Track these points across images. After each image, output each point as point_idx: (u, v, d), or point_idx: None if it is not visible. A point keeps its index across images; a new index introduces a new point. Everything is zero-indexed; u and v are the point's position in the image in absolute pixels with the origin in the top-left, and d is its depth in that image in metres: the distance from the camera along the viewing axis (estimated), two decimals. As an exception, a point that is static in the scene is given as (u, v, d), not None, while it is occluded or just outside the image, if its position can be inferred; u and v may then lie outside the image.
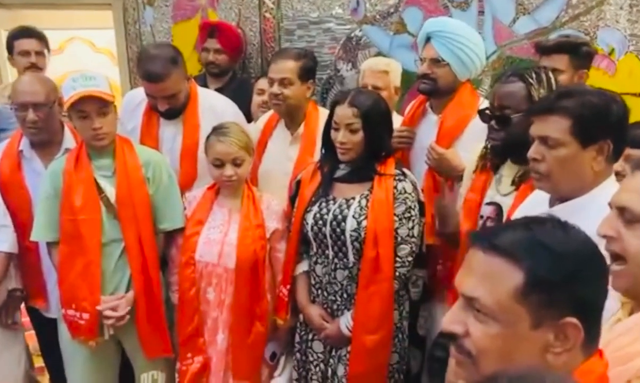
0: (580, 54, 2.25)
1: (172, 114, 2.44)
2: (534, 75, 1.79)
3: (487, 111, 1.87)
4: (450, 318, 0.90)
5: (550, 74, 1.82)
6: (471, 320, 0.87)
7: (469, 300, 0.87)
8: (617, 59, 2.56)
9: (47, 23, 4.37)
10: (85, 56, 4.58)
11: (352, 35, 3.14)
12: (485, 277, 0.86)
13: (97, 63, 4.34)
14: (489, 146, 1.94)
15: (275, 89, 2.36)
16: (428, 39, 2.27)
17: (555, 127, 1.44)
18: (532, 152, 1.50)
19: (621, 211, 1.13)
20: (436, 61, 2.24)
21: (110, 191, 2.20)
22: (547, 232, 0.86)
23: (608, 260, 1.13)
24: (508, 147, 1.82)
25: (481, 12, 2.83)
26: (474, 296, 0.86)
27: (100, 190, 2.19)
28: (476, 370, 0.88)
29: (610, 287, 1.14)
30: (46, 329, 2.50)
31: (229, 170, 2.17)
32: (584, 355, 0.86)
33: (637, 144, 1.80)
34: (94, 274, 2.18)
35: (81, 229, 2.17)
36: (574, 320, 0.82)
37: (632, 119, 1.73)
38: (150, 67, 2.30)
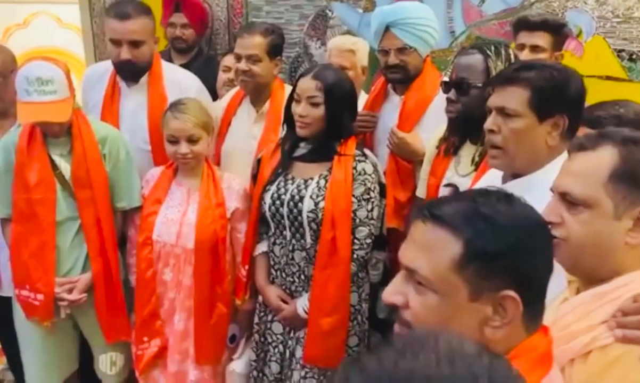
0: (562, 34, 2.25)
1: (133, 72, 2.35)
2: (492, 49, 1.79)
3: (449, 83, 1.86)
4: (391, 290, 0.89)
5: (510, 50, 1.81)
6: (411, 292, 0.86)
7: (409, 271, 0.86)
8: (584, 40, 2.55)
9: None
10: (51, 31, 4.45)
11: (321, 12, 3.08)
12: (425, 247, 0.85)
13: (63, 38, 4.21)
14: (448, 124, 1.92)
15: (243, 65, 2.31)
16: (387, 29, 2.23)
17: (513, 97, 1.43)
18: (488, 123, 1.49)
19: (563, 196, 1.11)
20: (402, 49, 2.21)
21: (65, 168, 2.15)
22: (489, 204, 0.85)
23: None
24: (465, 120, 1.80)
25: (451, -8, 2.79)
26: (413, 267, 0.85)
27: (55, 166, 2.13)
28: None
29: (559, 266, 1.14)
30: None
31: (183, 147, 2.11)
32: (527, 331, 0.85)
33: (598, 124, 1.79)
34: (48, 254, 2.13)
35: (35, 208, 2.11)
36: (512, 293, 0.81)
37: (598, 100, 1.72)
38: (120, 7, 2.28)
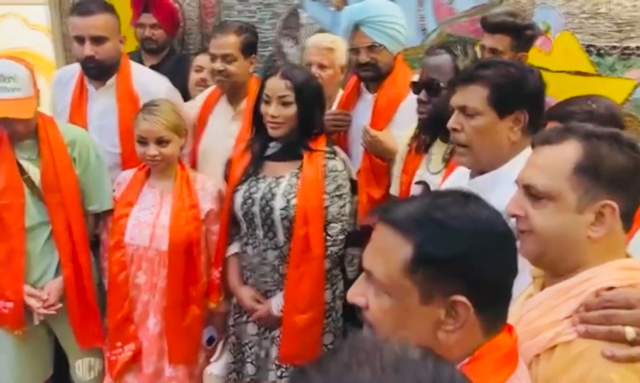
0: (523, 37, 2.27)
1: (98, 71, 2.32)
2: (459, 47, 1.83)
3: (419, 83, 1.89)
4: (353, 291, 0.90)
5: (476, 49, 1.85)
6: (370, 293, 0.87)
7: (368, 273, 0.87)
8: (553, 36, 2.58)
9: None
10: (19, 32, 4.37)
11: (293, 11, 3.07)
12: (380, 250, 0.86)
13: (32, 40, 4.14)
14: (419, 123, 1.93)
15: (219, 65, 2.31)
16: (356, 27, 2.24)
17: (473, 96, 1.47)
18: (451, 122, 1.52)
19: (527, 189, 1.12)
20: (372, 47, 2.23)
21: (34, 172, 2.11)
22: (443, 207, 0.85)
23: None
24: (436, 120, 1.83)
25: (422, -10, 2.80)
26: (370, 269, 0.86)
27: (22, 171, 2.10)
28: None
29: (523, 262, 1.15)
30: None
31: (152, 149, 2.09)
32: (485, 334, 0.85)
33: (570, 119, 1.82)
34: (17, 261, 2.09)
35: (3, 214, 2.08)
36: (462, 298, 0.81)
37: (567, 95, 1.75)
38: (83, 5, 2.29)
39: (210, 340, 2.33)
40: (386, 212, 0.87)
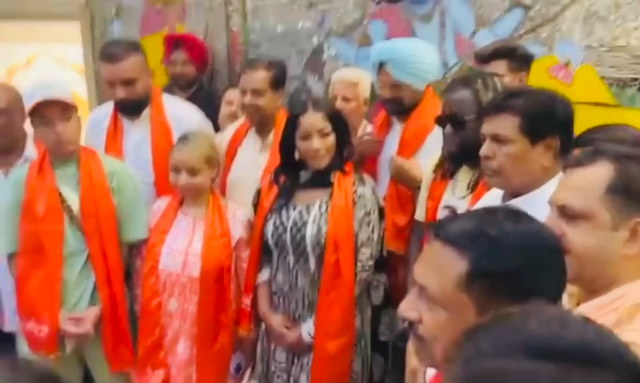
0: (516, 57, 2.34)
1: (131, 109, 2.42)
2: (479, 81, 1.87)
3: (444, 118, 1.93)
4: (405, 306, 0.92)
5: (496, 79, 1.89)
6: (423, 308, 0.89)
7: (421, 288, 0.90)
8: (573, 69, 2.64)
9: (15, 36, 4.35)
10: (53, 72, 4.55)
11: (318, 48, 3.18)
12: (434, 265, 0.89)
13: (66, 78, 4.30)
14: (445, 154, 1.98)
15: (249, 99, 2.39)
16: (381, 65, 2.33)
17: (504, 124, 1.51)
18: (484, 150, 1.56)
19: (561, 209, 1.16)
20: (396, 85, 2.31)
21: (73, 201, 2.18)
22: (495, 223, 0.88)
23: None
24: (463, 152, 1.87)
25: (443, 25, 2.89)
26: (424, 284, 0.89)
27: (63, 200, 2.17)
28: (430, 355, 0.91)
29: None
30: (2, 343, 2.44)
31: (182, 178, 2.17)
32: None
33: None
34: (54, 286, 2.15)
35: (42, 240, 2.14)
36: None
37: (588, 126, 1.79)
38: (110, 48, 2.38)
39: (238, 368, 2.35)
40: (440, 228, 0.91)
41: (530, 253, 0.86)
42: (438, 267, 0.88)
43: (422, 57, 2.32)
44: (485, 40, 2.70)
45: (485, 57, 2.37)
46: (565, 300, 1.23)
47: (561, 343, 0.58)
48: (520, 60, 2.36)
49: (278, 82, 2.42)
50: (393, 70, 2.30)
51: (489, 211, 0.94)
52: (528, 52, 2.45)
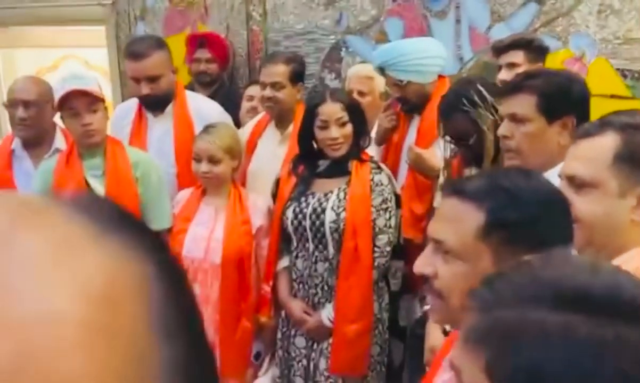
0: (533, 48, 2.39)
1: (156, 104, 2.50)
2: (464, 101, 1.91)
3: (447, 140, 2.02)
4: (421, 262, 0.96)
5: (479, 86, 1.93)
6: (439, 262, 0.93)
7: (437, 243, 0.94)
8: (588, 62, 2.67)
9: (45, 41, 4.50)
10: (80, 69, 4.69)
11: (336, 45, 3.25)
12: (451, 220, 0.93)
13: (91, 79, 4.44)
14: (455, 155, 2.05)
15: (268, 92, 2.45)
16: (382, 70, 2.42)
17: (522, 103, 1.56)
18: (502, 130, 1.61)
19: (570, 179, 1.20)
20: (398, 84, 2.38)
21: (99, 190, 2.25)
22: (509, 178, 0.94)
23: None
24: (475, 157, 1.95)
25: (458, 21, 2.95)
26: (441, 239, 0.93)
27: (90, 189, 2.26)
28: (447, 309, 0.95)
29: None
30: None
31: (203, 166, 2.24)
32: None
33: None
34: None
35: (70, 228, 2.22)
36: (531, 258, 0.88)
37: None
38: (134, 45, 2.44)
39: (257, 356, 2.40)
40: (457, 185, 0.96)
41: (542, 204, 0.91)
42: (455, 221, 0.92)
43: (419, 53, 2.38)
44: (500, 34, 2.75)
45: (503, 47, 2.43)
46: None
47: (593, 292, 0.53)
48: (537, 51, 2.41)
49: (297, 76, 2.48)
50: (392, 72, 2.38)
51: (502, 170, 0.99)
52: (544, 43, 2.49)
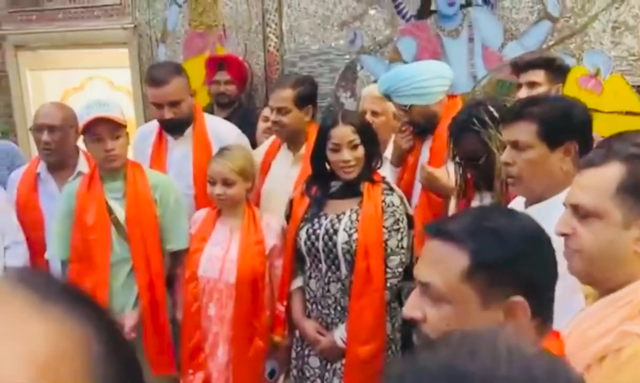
0: (555, 67, 2.39)
1: (177, 128, 2.57)
2: (474, 120, 1.93)
3: (457, 161, 2.04)
4: (409, 305, 0.96)
5: (490, 107, 1.95)
6: (427, 305, 0.93)
7: (424, 286, 0.93)
8: (603, 79, 2.66)
9: (71, 63, 4.65)
10: (105, 93, 4.82)
11: (351, 65, 3.29)
12: (436, 262, 0.93)
13: (115, 100, 4.55)
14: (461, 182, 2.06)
15: (274, 116, 2.51)
16: (388, 97, 2.45)
17: (523, 131, 1.56)
18: (504, 157, 1.62)
19: (575, 208, 1.20)
20: (405, 109, 2.41)
21: (120, 212, 2.33)
22: (492, 217, 0.93)
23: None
24: (485, 179, 1.97)
25: (471, 39, 2.96)
26: (427, 281, 0.92)
27: (110, 211, 2.33)
28: None
29: (576, 283, 1.22)
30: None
31: (217, 188, 2.29)
32: (539, 335, 0.91)
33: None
34: (101, 293, 2.27)
35: (91, 248, 2.29)
36: (519, 298, 0.87)
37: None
38: (155, 72, 2.52)
39: (272, 374, 2.42)
40: (438, 227, 0.95)
41: (527, 243, 0.91)
42: (440, 263, 0.92)
43: (419, 76, 2.39)
44: (513, 53, 2.76)
45: (523, 66, 2.43)
46: (582, 301, 1.27)
47: None
48: (558, 71, 2.41)
49: (304, 99, 2.51)
50: (395, 98, 2.42)
51: (483, 209, 1.00)
52: (565, 63, 2.49)
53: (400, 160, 2.57)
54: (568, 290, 1.17)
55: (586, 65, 2.70)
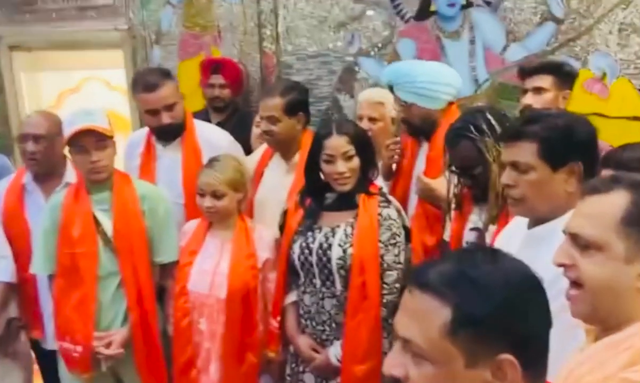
0: (563, 73, 2.29)
1: (173, 133, 2.49)
2: (472, 128, 1.85)
3: (452, 170, 1.95)
4: (390, 362, 0.86)
5: (488, 115, 1.87)
6: (409, 362, 0.83)
7: (404, 341, 0.84)
8: (609, 83, 2.56)
9: (66, 64, 4.58)
10: (101, 94, 4.76)
11: (349, 67, 3.21)
12: (415, 316, 0.82)
13: (112, 100, 4.50)
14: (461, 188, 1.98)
15: (264, 126, 2.44)
16: (391, 88, 2.36)
17: (523, 151, 1.47)
18: (504, 179, 1.52)
19: (574, 238, 1.12)
20: (404, 106, 2.33)
21: (107, 224, 2.25)
22: (474, 265, 0.83)
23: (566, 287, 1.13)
24: (480, 190, 1.89)
25: (472, 41, 2.87)
26: (406, 337, 0.83)
27: (97, 223, 2.25)
28: None
29: (575, 317, 1.14)
30: (46, 360, 2.55)
31: (207, 201, 2.22)
32: None
33: (624, 166, 1.79)
34: (88, 307, 2.22)
35: (78, 262, 2.22)
36: (508, 356, 0.78)
37: (626, 140, 1.73)
38: (146, 78, 2.45)
39: (266, 389, 2.36)
40: (417, 275, 0.85)
41: (513, 292, 0.81)
42: (420, 318, 0.81)
43: (429, 77, 2.31)
44: (516, 55, 2.67)
45: (531, 70, 2.33)
46: (583, 337, 1.18)
47: None
48: (566, 76, 2.31)
49: (294, 107, 2.42)
50: (398, 91, 2.33)
51: (467, 252, 0.90)
52: (574, 70, 2.39)
53: (387, 175, 2.49)
54: (567, 326, 1.09)
55: (592, 69, 2.60)
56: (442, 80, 2.34)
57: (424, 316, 0.81)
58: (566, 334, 1.09)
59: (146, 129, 2.59)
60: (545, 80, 2.25)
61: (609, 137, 2.35)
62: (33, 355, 2.69)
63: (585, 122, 1.49)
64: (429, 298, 0.81)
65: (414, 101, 2.30)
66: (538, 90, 2.26)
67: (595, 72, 2.59)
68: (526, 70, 2.35)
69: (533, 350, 0.83)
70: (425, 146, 2.41)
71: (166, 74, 2.50)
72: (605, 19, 2.54)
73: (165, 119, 2.42)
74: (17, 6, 4.16)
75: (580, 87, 2.57)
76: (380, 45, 3.10)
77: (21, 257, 2.41)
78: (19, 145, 2.47)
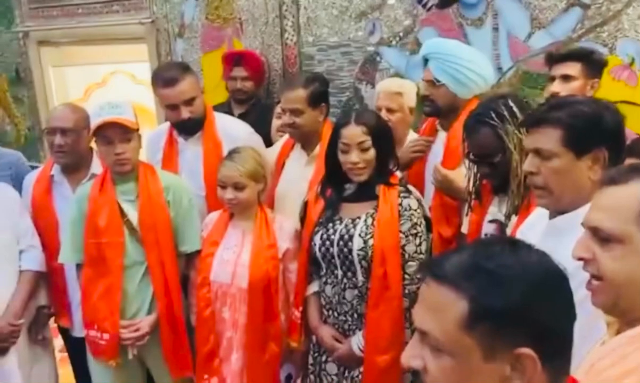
0: (592, 61, 2.23)
1: (193, 127, 2.52)
2: (492, 114, 1.81)
3: (471, 158, 1.91)
4: (408, 353, 0.85)
5: (510, 101, 1.82)
6: (427, 354, 0.82)
7: (422, 333, 0.83)
8: (637, 69, 2.49)
9: (92, 58, 4.66)
10: (127, 87, 4.83)
11: (370, 57, 3.18)
12: (433, 308, 0.81)
13: (137, 93, 4.57)
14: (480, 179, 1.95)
15: (287, 118, 2.43)
16: (426, 61, 2.30)
17: (546, 138, 1.43)
18: (527, 166, 1.50)
19: (594, 231, 1.09)
20: (433, 83, 2.28)
21: (132, 215, 2.30)
22: (492, 256, 0.81)
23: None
24: (500, 180, 1.85)
25: (496, 29, 2.82)
26: (424, 329, 0.82)
27: (123, 214, 2.30)
28: None
29: (598, 310, 1.12)
30: (75, 348, 2.62)
31: (228, 193, 2.24)
32: None
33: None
34: (114, 296, 2.27)
35: (104, 252, 2.27)
36: (527, 350, 0.77)
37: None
38: (165, 73, 2.46)
39: (289, 378, 2.38)
40: (434, 266, 0.84)
41: (533, 284, 0.79)
42: (437, 310, 0.80)
43: (467, 63, 2.27)
44: (541, 42, 2.61)
45: (559, 57, 2.28)
46: (603, 328, 1.17)
47: None
48: (595, 65, 2.25)
49: (317, 98, 2.42)
50: (433, 65, 2.28)
51: (485, 243, 0.88)
52: (604, 58, 2.32)
53: (404, 167, 2.45)
54: (588, 318, 1.07)
55: (619, 55, 2.53)
56: (479, 71, 2.29)
57: (440, 308, 0.80)
58: (587, 326, 1.07)
59: (168, 124, 2.62)
60: (573, 68, 2.20)
61: (637, 126, 2.30)
62: (61, 342, 2.76)
63: (613, 108, 1.45)
64: (446, 290, 0.80)
65: (446, 81, 2.26)
66: (566, 77, 2.20)
67: (622, 59, 2.52)
68: (554, 57, 2.30)
69: (554, 344, 0.81)
70: (442, 136, 2.39)
71: (185, 68, 2.52)
72: (633, 4, 2.47)
73: (185, 113, 2.44)
74: (44, 2, 4.25)
75: (607, 74, 2.50)
76: (401, 34, 3.07)
77: (50, 247, 2.47)
78: (47, 138, 2.53)
